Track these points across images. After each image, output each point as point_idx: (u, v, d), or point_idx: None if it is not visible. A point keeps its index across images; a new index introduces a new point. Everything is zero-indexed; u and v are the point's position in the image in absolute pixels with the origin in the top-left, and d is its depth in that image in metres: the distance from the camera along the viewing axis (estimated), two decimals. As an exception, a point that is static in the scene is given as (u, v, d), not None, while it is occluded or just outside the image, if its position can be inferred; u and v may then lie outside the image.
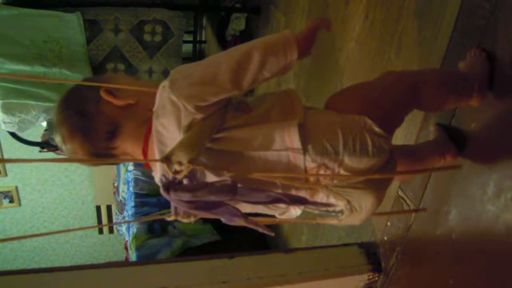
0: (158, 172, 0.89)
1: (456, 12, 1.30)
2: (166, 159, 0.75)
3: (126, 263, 2.97)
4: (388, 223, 1.64)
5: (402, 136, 1.51)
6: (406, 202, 1.52)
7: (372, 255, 1.73)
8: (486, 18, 1.19)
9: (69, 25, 2.79)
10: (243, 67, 0.83)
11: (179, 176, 0.77)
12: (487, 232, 1.18)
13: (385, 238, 1.66)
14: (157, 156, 0.86)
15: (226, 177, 0.82)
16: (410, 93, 1.02)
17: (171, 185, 0.78)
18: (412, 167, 1.27)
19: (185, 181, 0.82)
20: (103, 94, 0.91)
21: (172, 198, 0.78)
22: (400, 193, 1.55)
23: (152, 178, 0.96)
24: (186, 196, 0.77)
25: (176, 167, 0.75)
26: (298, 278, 1.62)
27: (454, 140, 1.28)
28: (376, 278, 1.71)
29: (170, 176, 0.77)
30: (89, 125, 0.92)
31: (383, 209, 1.57)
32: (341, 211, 0.95)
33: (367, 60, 1.81)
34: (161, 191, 0.79)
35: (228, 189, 0.78)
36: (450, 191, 1.31)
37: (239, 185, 0.81)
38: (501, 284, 1.15)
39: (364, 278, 1.70)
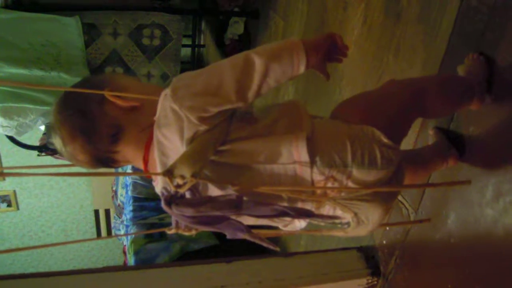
0: (159, 183, 0.86)
1: (454, 16, 1.31)
2: (168, 173, 0.72)
3: (124, 267, 2.97)
4: (387, 228, 1.64)
5: (401, 140, 1.51)
6: (405, 206, 1.51)
7: (371, 259, 1.73)
8: (484, 22, 1.19)
9: (68, 29, 2.79)
10: (247, 76, 0.79)
11: (181, 190, 0.74)
12: (486, 236, 1.17)
13: (384, 242, 1.66)
14: (159, 167, 0.83)
15: (231, 190, 0.80)
16: (414, 101, 1.02)
17: (173, 199, 0.76)
18: (415, 172, 1.26)
19: (187, 194, 0.80)
20: (107, 95, 0.87)
21: (174, 212, 0.76)
22: (399, 197, 1.54)
23: (150, 182, 0.93)
24: (189, 211, 0.74)
25: (179, 181, 0.73)
26: (297, 282, 1.62)
27: (453, 144, 1.28)
28: (375, 282, 1.70)
29: (172, 189, 0.75)
30: (92, 126, 0.87)
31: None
32: (347, 223, 0.93)
33: (365, 63, 1.82)
34: (163, 205, 0.76)
35: (233, 205, 0.76)
36: (448, 195, 1.31)
37: (244, 198, 0.78)
38: (500, 289, 1.15)
39: (363, 282, 1.70)
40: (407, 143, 1.49)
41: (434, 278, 1.39)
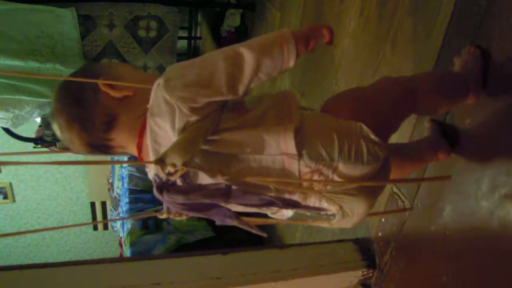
0: (152, 169, 0.88)
1: (451, 8, 1.30)
2: (160, 161, 0.74)
3: (120, 259, 2.97)
4: (383, 220, 1.65)
5: (397, 132, 1.51)
6: (400, 198, 1.52)
7: (366, 251, 1.74)
8: (481, 14, 1.19)
9: (63, 20, 2.77)
10: (238, 70, 0.81)
11: (172, 178, 0.76)
12: (481, 228, 1.18)
13: (380, 234, 1.67)
14: (151, 155, 0.85)
15: (220, 179, 0.81)
16: (406, 99, 1.02)
17: (165, 186, 0.77)
18: (404, 165, 1.28)
19: (178, 181, 0.82)
20: (100, 85, 0.90)
21: (165, 199, 0.78)
22: (394, 189, 1.55)
23: (146, 174, 0.94)
24: (180, 198, 0.77)
25: (170, 169, 0.74)
26: (293, 274, 1.62)
27: (449, 136, 1.28)
28: (371, 274, 1.71)
29: (164, 177, 0.76)
30: (86, 114, 0.90)
31: (377, 205, 1.57)
32: (333, 214, 0.95)
33: (362, 56, 1.81)
34: (154, 191, 0.78)
35: (222, 193, 0.78)
36: (444, 188, 1.31)
37: (233, 187, 0.80)
38: (494, 281, 1.15)
39: (358, 274, 1.71)
40: (403, 136, 1.49)
41: (429, 270, 1.40)
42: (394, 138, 1.50)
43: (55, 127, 0.93)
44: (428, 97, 1.07)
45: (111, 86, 0.90)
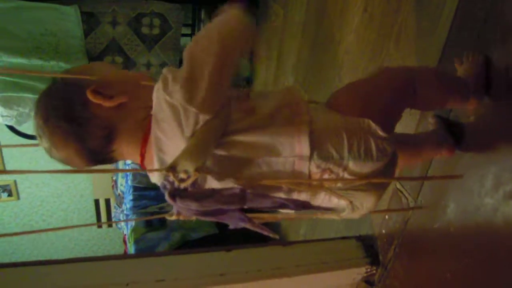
0: (155, 175, 0.85)
1: (456, 3, 1.30)
2: (172, 169, 0.73)
3: (124, 255, 2.98)
4: (386, 217, 1.65)
5: (401, 128, 1.50)
6: (404, 195, 1.52)
7: (370, 248, 1.74)
8: (486, 9, 1.19)
9: (67, 18, 2.78)
10: (226, 57, 0.80)
11: (184, 185, 0.75)
12: (485, 225, 1.18)
13: (383, 231, 1.67)
14: (156, 163, 0.82)
15: (231, 182, 0.80)
16: (406, 88, 1.02)
17: (177, 192, 0.76)
18: (409, 157, 1.28)
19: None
20: (90, 97, 0.83)
21: (179, 205, 0.77)
22: (398, 186, 1.55)
23: (149, 172, 0.93)
24: (194, 205, 0.76)
25: (182, 176, 0.73)
26: (296, 271, 1.62)
27: (453, 132, 1.28)
28: (374, 271, 1.71)
29: (176, 183, 0.75)
30: (83, 131, 0.84)
31: (381, 202, 1.57)
32: (342, 208, 0.95)
33: (366, 52, 1.81)
34: (167, 198, 0.77)
35: (238, 199, 0.78)
36: (448, 184, 1.31)
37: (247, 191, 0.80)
38: (498, 278, 1.15)
39: (362, 271, 1.71)
40: (408, 130, 1.48)
41: (433, 267, 1.40)
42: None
43: (46, 147, 0.87)
44: (428, 87, 1.07)
45: (102, 95, 0.84)
